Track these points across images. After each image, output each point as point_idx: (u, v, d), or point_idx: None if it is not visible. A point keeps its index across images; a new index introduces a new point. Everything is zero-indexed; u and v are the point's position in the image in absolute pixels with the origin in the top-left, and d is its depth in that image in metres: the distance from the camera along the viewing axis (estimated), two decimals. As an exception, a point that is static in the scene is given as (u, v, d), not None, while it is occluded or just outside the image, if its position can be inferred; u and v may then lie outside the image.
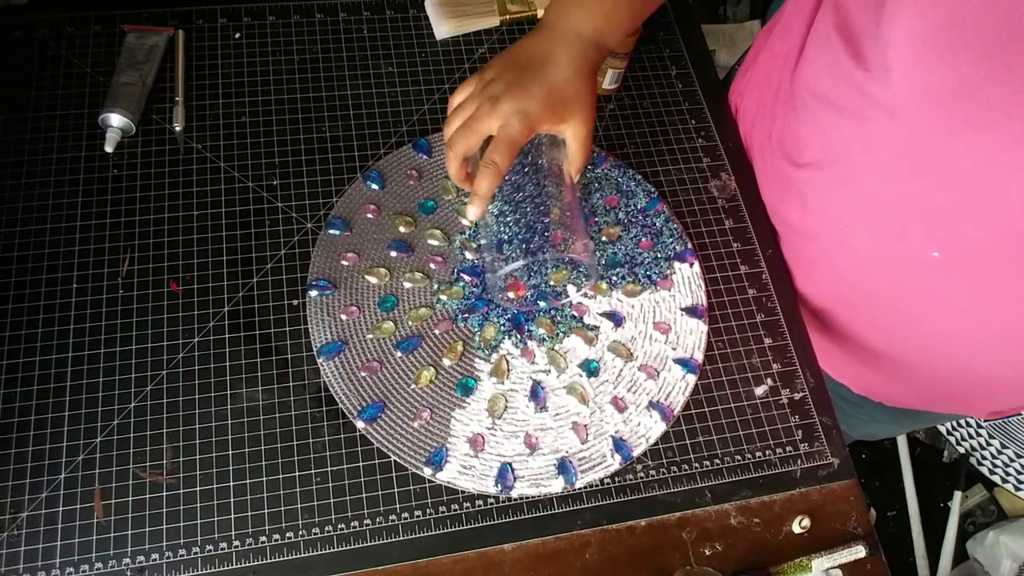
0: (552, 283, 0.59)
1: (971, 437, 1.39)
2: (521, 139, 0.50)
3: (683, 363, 0.59)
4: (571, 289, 0.61)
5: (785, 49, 0.63)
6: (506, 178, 0.53)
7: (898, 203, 0.52)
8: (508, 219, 0.52)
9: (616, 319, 0.60)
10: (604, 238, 0.64)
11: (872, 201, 0.54)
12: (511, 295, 0.57)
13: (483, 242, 0.54)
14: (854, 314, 0.66)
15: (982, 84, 0.41)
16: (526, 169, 0.53)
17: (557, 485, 0.53)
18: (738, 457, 0.57)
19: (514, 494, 0.53)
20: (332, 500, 0.52)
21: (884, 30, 0.45)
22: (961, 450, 1.43)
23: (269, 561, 0.50)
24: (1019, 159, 0.42)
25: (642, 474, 0.55)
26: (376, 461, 0.54)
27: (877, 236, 0.56)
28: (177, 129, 0.64)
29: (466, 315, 0.59)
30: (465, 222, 0.57)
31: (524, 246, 0.50)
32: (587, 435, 0.56)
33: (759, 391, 0.59)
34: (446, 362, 0.57)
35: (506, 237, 0.51)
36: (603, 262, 0.62)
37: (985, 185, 0.45)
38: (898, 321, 0.62)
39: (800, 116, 0.58)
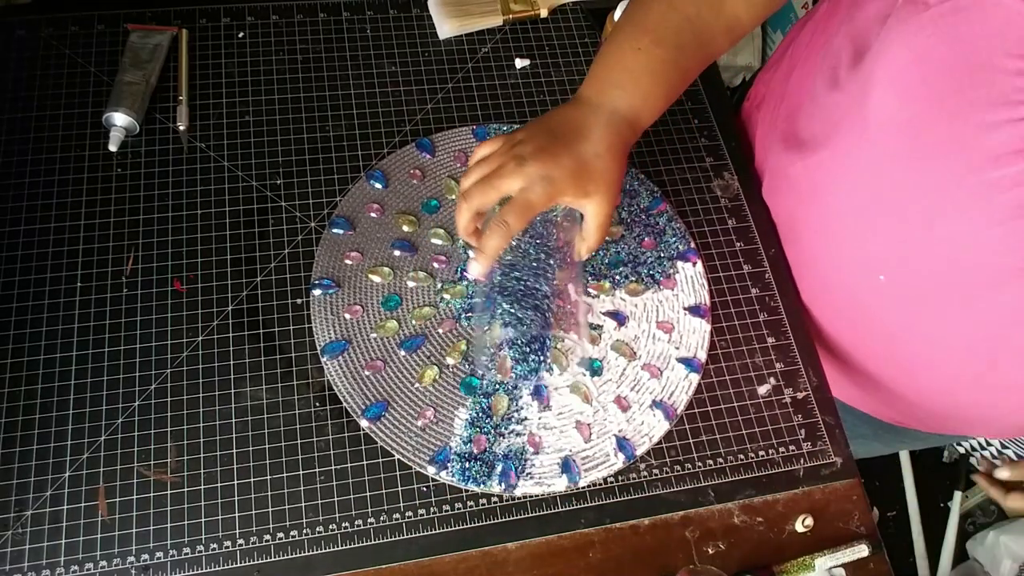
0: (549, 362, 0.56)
1: (971, 437, 1.39)
2: (540, 205, 0.48)
3: (686, 362, 0.59)
4: (572, 288, 0.61)
5: (785, 91, 0.65)
6: (512, 244, 0.51)
7: (859, 224, 0.55)
8: (507, 287, 0.50)
9: (619, 318, 0.60)
10: (607, 237, 0.64)
11: (839, 213, 0.57)
12: (492, 369, 0.54)
13: (476, 301, 0.53)
14: (846, 336, 0.67)
15: (935, 119, 0.43)
16: (536, 239, 0.51)
17: (560, 484, 0.54)
18: (741, 456, 0.57)
19: (518, 493, 0.53)
20: (336, 499, 0.52)
21: (872, 59, 0.48)
22: (961, 450, 1.44)
23: (273, 560, 0.50)
24: (963, 197, 0.44)
25: (645, 473, 0.55)
26: (380, 460, 0.54)
27: (840, 251, 0.59)
28: (181, 128, 0.64)
29: (469, 314, 0.59)
30: (469, 276, 0.54)
31: (518, 317, 0.49)
32: (590, 434, 0.56)
33: (762, 390, 0.59)
34: (450, 361, 0.57)
35: (502, 305, 0.50)
36: (606, 261, 0.63)
37: (929, 217, 0.48)
38: (880, 345, 0.64)
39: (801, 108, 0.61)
